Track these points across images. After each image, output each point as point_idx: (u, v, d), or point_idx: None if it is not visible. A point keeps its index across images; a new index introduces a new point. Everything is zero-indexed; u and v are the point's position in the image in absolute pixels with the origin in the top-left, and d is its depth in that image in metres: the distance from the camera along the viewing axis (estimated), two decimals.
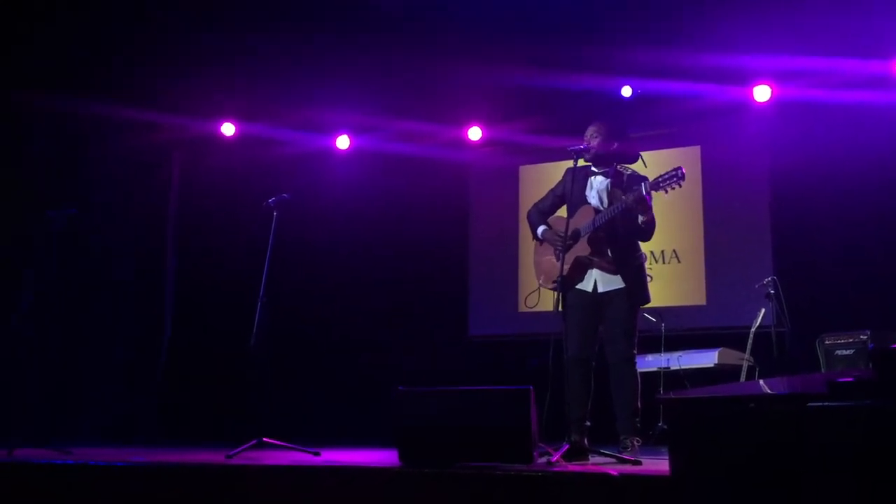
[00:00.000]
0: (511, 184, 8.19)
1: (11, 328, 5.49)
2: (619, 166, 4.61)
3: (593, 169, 4.64)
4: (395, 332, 7.88)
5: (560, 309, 4.25)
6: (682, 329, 6.78)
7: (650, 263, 4.68)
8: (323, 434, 6.84)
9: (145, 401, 8.05)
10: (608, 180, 4.57)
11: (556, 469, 3.46)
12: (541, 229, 4.75)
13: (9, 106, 7.14)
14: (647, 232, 4.45)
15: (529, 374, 6.08)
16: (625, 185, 4.50)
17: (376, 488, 3.50)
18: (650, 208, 4.33)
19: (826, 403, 2.25)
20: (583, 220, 4.51)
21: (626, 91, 7.31)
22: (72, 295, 7.41)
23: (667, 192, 4.26)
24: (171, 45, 6.99)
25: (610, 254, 4.48)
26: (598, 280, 4.50)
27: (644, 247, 4.63)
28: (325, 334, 8.03)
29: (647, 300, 4.58)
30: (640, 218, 4.36)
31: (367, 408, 7.41)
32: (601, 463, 3.84)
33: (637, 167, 4.68)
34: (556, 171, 5.98)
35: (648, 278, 4.67)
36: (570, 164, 4.52)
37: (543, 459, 3.73)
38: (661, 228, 4.53)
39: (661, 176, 4.25)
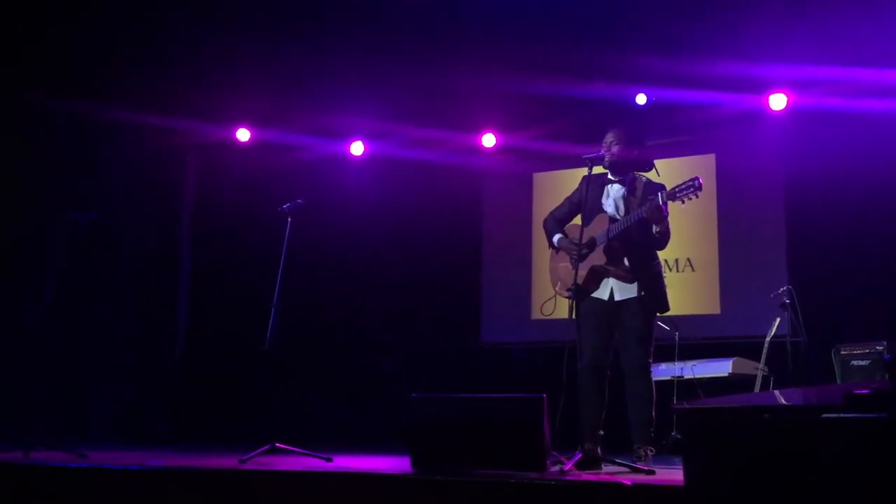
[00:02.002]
0: (525, 191, 8.19)
1: (27, 328, 5.54)
2: (635, 174, 4.60)
3: (610, 177, 4.63)
4: (407, 339, 7.88)
5: (574, 317, 4.24)
6: (696, 338, 6.75)
7: (664, 272, 4.65)
8: (335, 439, 6.85)
9: (158, 402, 8.10)
10: (624, 188, 4.56)
11: (568, 478, 3.45)
12: (556, 237, 4.74)
13: (27, 109, 7.20)
14: (661, 242, 4.43)
15: (543, 381, 6.07)
16: (641, 193, 4.49)
17: (388, 494, 3.50)
18: (665, 218, 4.32)
19: (842, 415, 2.24)
20: (598, 229, 4.50)
21: (641, 99, 7.31)
22: (87, 296, 7.46)
23: (683, 202, 4.24)
24: (188, 50, 7.03)
25: (626, 262, 4.46)
26: (614, 288, 4.48)
27: (659, 255, 4.61)
28: (338, 339, 8.05)
29: (666, 308, 4.54)
30: (655, 228, 4.35)
31: (380, 413, 7.41)
32: (614, 472, 3.82)
33: (650, 176, 4.67)
34: (570, 179, 5.98)
35: None
36: (584, 171, 4.51)
37: (556, 468, 3.72)
38: (675, 237, 4.51)
39: (678, 186, 4.23)
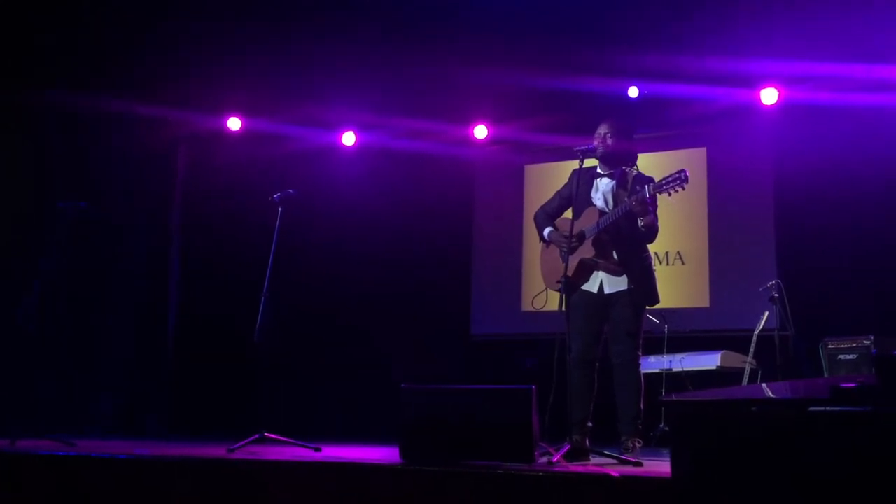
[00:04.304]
0: (516, 183, 8.19)
1: (19, 319, 5.51)
2: (624, 168, 4.60)
3: (599, 170, 4.64)
4: (397, 330, 7.88)
5: (563, 309, 4.25)
6: (685, 331, 6.77)
7: (654, 265, 4.67)
8: (324, 430, 6.86)
9: (152, 392, 8.08)
10: (613, 182, 4.57)
11: (556, 469, 3.46)
12: (547, 230, 4.75)
13: (19, 101, 7.16)
14: (648, 235, 4.44)
15: (533, 373, 6.09)
16: (630, 186, 4.50)
17: (377, 485, 3.51)
18: (651, 211, 4.32)
19: (828, 408, 2.25)
20: (588, 222, 4.51)
21: (633, 92, 7.31)
22: (80, 286, 7.44)
23: (670, 194, 4.26)
24: (179, 39, 6.99)
25: (615, 255, 4.47)
26: (603, 281, 4.49)
27: (649, 248, 4.62)
28: (327, 330, 8.04)
29: (655, 301, 4.55)
30: (640, 221, 4.35)
31: (369, 404, 7.42)
32: (602, 464, 3.84)
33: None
34: (561, 171, 5.99)
35: None
36: (575, 164, 4.51)
37: (544, 459, 3.73)
38: (665, 230, 4.52)
39: (664, 178, 4.24)
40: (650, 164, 4.74)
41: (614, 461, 3.92)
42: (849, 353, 5.82)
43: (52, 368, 6.81)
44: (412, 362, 7.52)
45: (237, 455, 4.17)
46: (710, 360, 6.34)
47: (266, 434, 4.64)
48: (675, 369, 6.42)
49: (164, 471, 3.87)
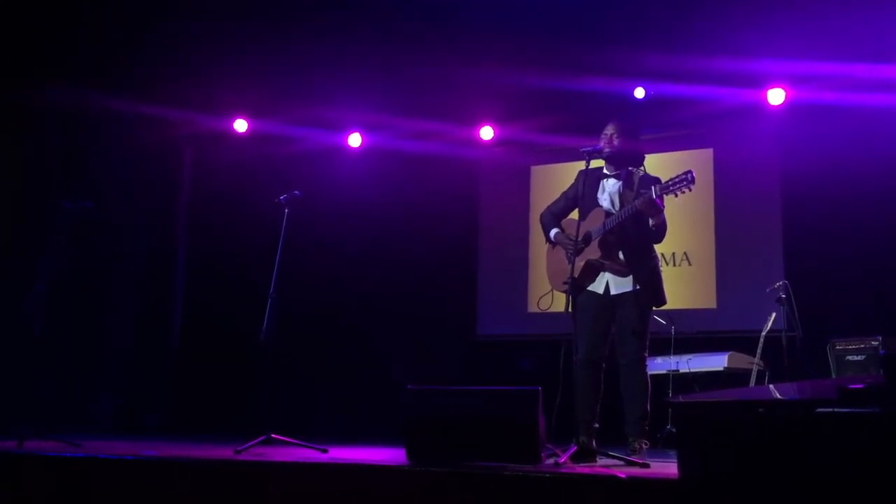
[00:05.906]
0: (522, 184, 8.18)
1: (23, 317, 5.53)
2: (630, 169, 4.59)
3: (605, 171, 4.62)
4: (403, 330, 7.88)
5: (570, 310, 4.24)
6: (692, 332, 6.76)
7: (661, 265, 4.65)
8: (330, 430, 6.86)
9: (152, 392, 8.10)
10: (620, 182, 4.56)
11: (563, 470, 3.46)
12: (553, 232, 4.74)
13: (24, 100, 7.18)
14: (658, 234, 4.43)
15: (535, 373, 6.07)
16: (636, 187, 4.48)
17: (383, 486, 3.50)
18: (661, 211, 4.31)
19: (836, 409, 2.24)
20: (594, 223, 4.50)
21: (639, 92, 7.30)
22: (83, 285, 7.45)
23: (677, 195, 4.24)
24: (185, 40, 7.01)
25: (621, 256, 4.46)
26: (610, 282, 4.48)
27: (656, 249, 4.61)
28: (333, 331, 8.05)
29: (662, 302, 4.54)
30: (651, 221, 4.35)
31: (375, 405, 7.42)
32: (609, 465, 3.83)
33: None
34: (567, 172, 5.98)
35: None
36: (581, 165, 4.50)
37: (551, 460, 3.72)
38: (672, 231, 4.51)
39: (671, 179, 4.23)
40: (657, 164, 4.72)
41: (621, 462, 3.90)
42: (857, 354, 5.80)
43: (53, 368, 6.82)
44: (418, 362, 7.52)
45: (244, 456, 4.17)
46: (717, 361, 6.32)
47: (273, 435, 4.64)
48: (682, 370, 6.40)
49: (171, 472, 3.87)
